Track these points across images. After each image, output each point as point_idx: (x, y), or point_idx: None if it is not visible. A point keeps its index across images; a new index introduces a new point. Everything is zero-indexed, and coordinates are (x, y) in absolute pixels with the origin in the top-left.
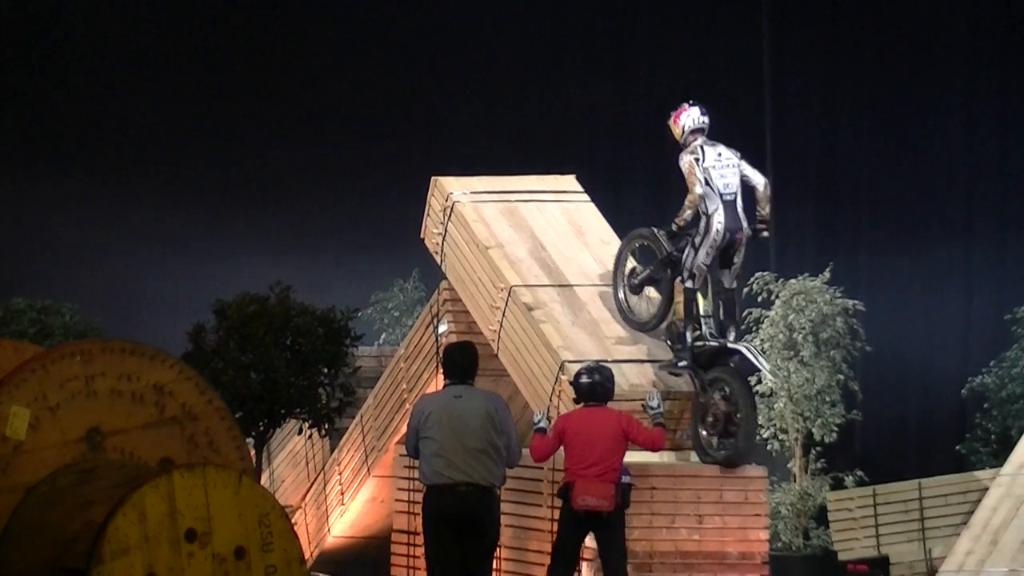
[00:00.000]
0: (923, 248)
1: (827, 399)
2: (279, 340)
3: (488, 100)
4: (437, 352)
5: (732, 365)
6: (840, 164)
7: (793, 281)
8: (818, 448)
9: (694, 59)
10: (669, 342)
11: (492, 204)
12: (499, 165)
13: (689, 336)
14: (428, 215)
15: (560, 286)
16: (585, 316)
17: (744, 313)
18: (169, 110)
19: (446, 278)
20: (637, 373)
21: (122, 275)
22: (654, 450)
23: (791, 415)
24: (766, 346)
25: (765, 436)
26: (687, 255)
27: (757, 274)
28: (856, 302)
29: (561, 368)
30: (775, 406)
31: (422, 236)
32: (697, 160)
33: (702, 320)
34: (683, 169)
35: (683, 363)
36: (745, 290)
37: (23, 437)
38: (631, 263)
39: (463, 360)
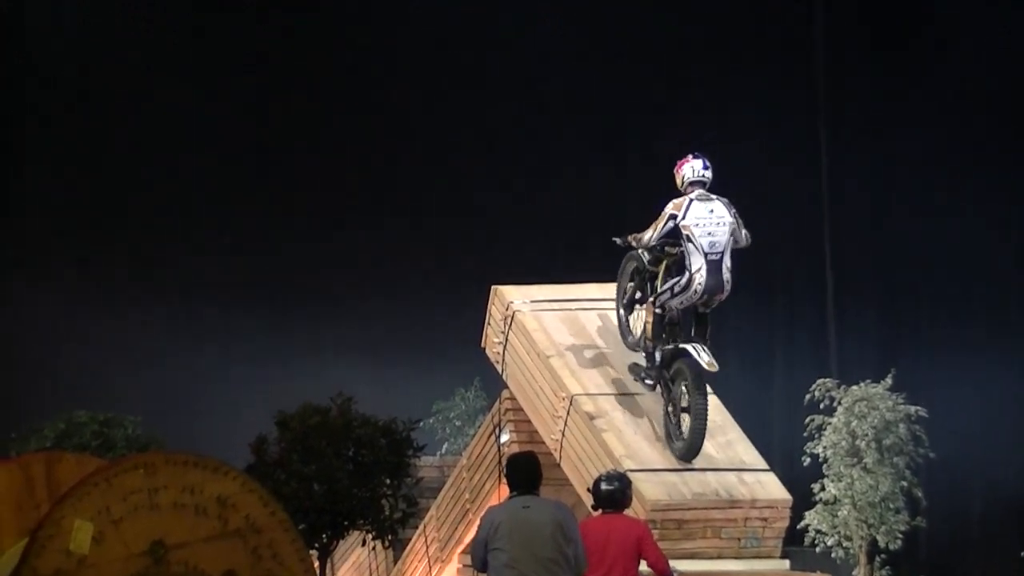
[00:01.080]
0: (984, 349)
1: (891, 506)
2: (341, 451)
3: (548, 207)
4: (499, 462)
5: (688, 358)
6: (899, 265)
7: (855, 388)
8: (883, 555)
9: (753, 157)
10: (644, 356)
11: (552, 312)
12: (559, 273)
13: (658, 356)
14: (489, 324)
15: (621, 394)
16: (647, 425)
17: (806, 420)
18: (231, 218)
19: (507, 387)
20: (699, 482)
21: (184, 385)
22: (657, 572)
23: (855, 522)
24: (828, 453)
25: (829, 544)
26: (663, 290)
27: (819, 381)
28: (919, 408)
29: None
30: (839, 513)
31: (483, 345)
32: (674, 217)
33: (669, 336)
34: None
35: (650, 382)
36: (807, 396)
37: (87, 551)
38: (628, 283)
39: (528, 470)
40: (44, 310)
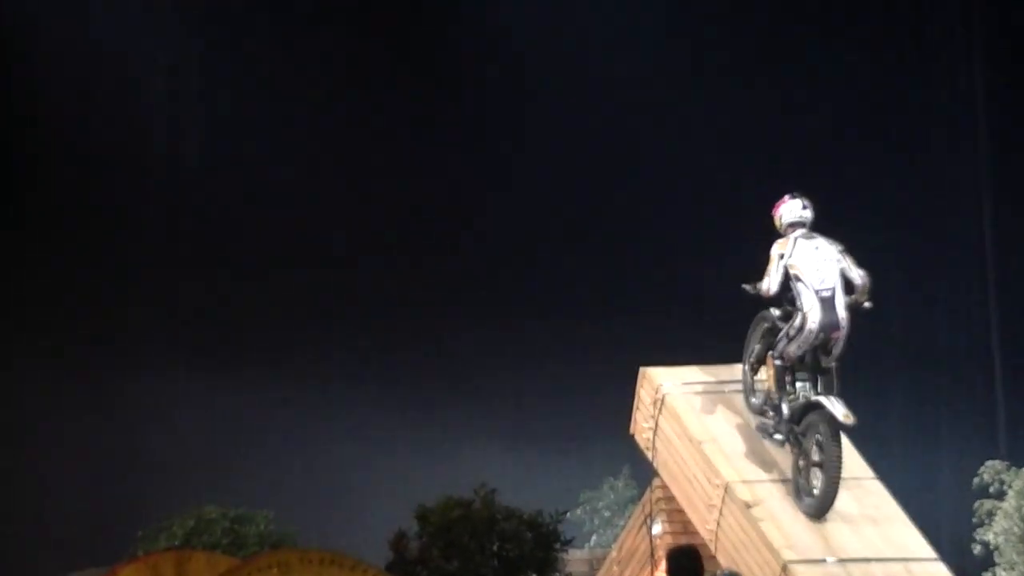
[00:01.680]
0: None
1: None
2: (485, 547)
3: (696, 286)
4: (652, 554)
5: (821, 410)
6: None
7: None
8: None
9: (910, 230)
10: (770, 412)
11: (704, 395)
12: (709, 354)
13: (786, 407)
14: (637, 408)
15: (779, 481)
16: None
17: (975, 505)
18: (369, 304)
19: (658, 475)
20: (863, 572)
21: (317, 477)
22: None
23: None
24: (1000, 540)
25: None
26: (780, 338)
27: (987, 463)
28: None
29: (784, 569)
30: None
31: (632, 431)
32: (782, 256)
33: (796, 386)
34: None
35: (779, 436)
36: (975, 480)
37: None
38: (756, 343)
39: (691, 565)
40: (172, 401)
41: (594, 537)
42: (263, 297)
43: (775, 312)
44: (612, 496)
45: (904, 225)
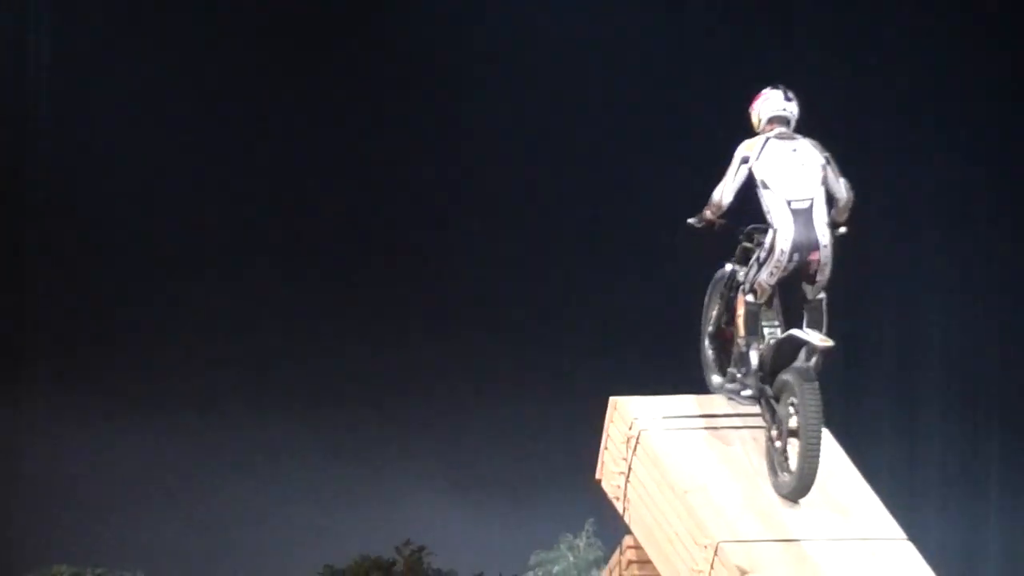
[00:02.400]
0: None
1: None
2: None
3: (682, 303)
4: None
5: (802, 363)
6: None
7: None
8: None
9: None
10: (734, 370)
11: (690, 432)
12: (697, 381)
13: (754, 357)
14: (606, 448)
15: (783, 540)
16: None
17: None
18: (266, 316)
19: (631, 532)
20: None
21: (202, 533)
22: None
23: None
24: None
25: None
26: (750, 267)
27: None
28: None
29: None
30: None
31: (598, 477)
32: (746, 160)
33: (766, 333)
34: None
35: (747, 392)
36: None
37: None
38: (715, 307)
39: None
40: (19, 441)
41: None
42: (140, 319)
43: (733, 267)
44: (571, 558)
45: (957, 241)
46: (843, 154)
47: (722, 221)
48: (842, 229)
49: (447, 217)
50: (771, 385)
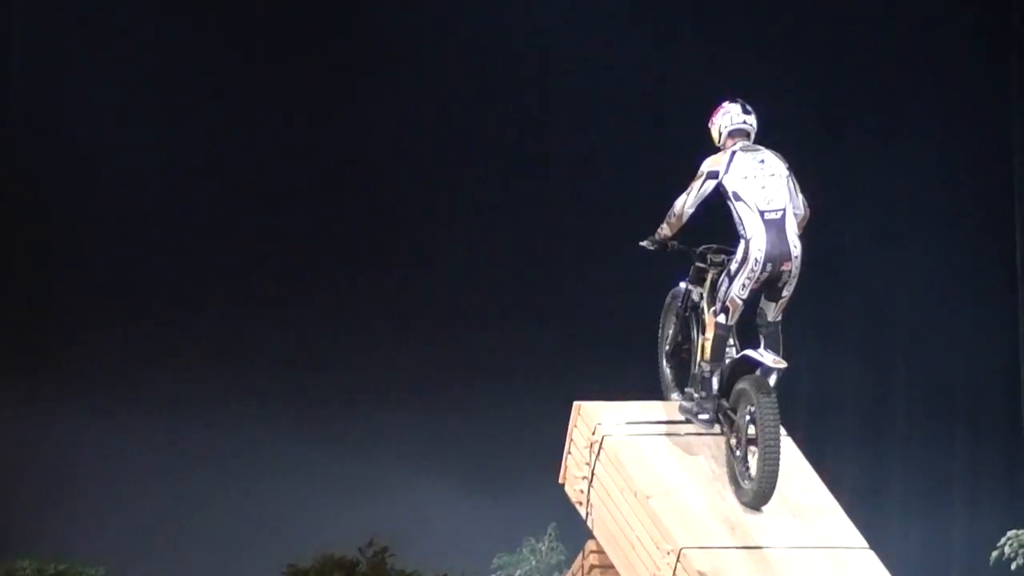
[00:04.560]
0: None
1: None
2: None
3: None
4: None
5: (758, 373)
6: None
7: None
8: None
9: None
10: (691, 390)
11: (654, 437)
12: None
13: (715, 383)
14: (569, 452)
15: (746, 548)
16: None
17: None
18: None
19: (593, 536)
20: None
21: (164, 525)
22: None
23: None
24: None
25: None
26: (721, 283)
27: (1010, 533)
28: None
29: None
30: None
31: (561, 481)
32: (714, 175)
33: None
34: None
35: (704, 416)
36: (994, 553)
37: None
38: (670, 326)
39: None
40: None
41: None
42: (102, 303)
43: (686, 286)
44: (533, 561)
45: (920, 236)
46: (821, 155)
47: (675, 243)
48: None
49: (419, 219)
50: (727, 397)
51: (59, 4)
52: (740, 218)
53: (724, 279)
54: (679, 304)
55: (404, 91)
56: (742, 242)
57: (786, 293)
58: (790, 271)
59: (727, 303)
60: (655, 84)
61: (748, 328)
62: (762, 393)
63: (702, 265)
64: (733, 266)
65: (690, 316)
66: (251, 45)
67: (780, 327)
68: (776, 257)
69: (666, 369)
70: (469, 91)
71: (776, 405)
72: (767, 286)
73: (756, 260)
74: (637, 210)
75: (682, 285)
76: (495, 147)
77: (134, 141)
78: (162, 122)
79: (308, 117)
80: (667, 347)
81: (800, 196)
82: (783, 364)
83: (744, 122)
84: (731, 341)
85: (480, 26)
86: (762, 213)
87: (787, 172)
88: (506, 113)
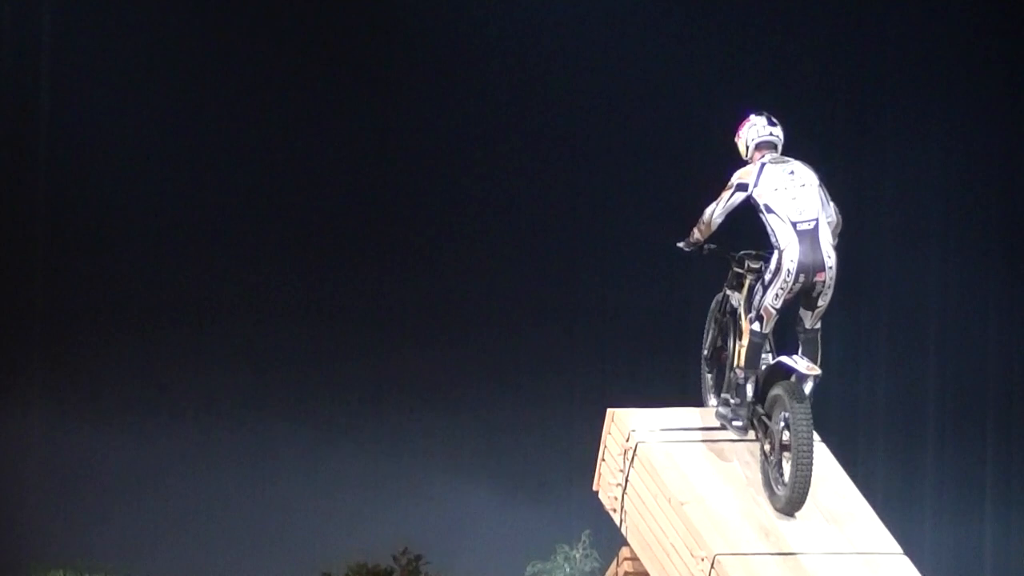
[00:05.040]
0: None
1: None
2: None
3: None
4: None
5: (792, 379)
6: None
7: None
8: None
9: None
10: (727, 396)
11: (689, 444)
12: (695, 393)
13: (750, 389)
14: (603, 460)
15: (780, 554)
16: None
17: None
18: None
19: (627, 544)
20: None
21: (198, 535)
22: None
23: None
24: None
25: None
26: (755, 291)
27: None
28: None
29: None
30: None
31: (595, 488)
32: (744, 187)
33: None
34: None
35: (739, 423)
36: None
37: None
38: (710, 330)
39: None
40: (8, 441)
41: None
42: (123, 304)
43: (725, 291)
44: (568, 569)
45: (951, 237)
46: (845, 158)
47: (711, 245)
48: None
49: (449, 219)
50: (763, 404)
51: (63, 4)
52: (772, 230)
53: (759, 288)
54: (717, 309)
55: (426, 89)
56: (775, 252)
57: (822, 303)
58: (824, 281)
59: (761, 312)
60: (676, 80)
61: (787, 332)
62: (796, 400)
63: (740, 270)
64: (767, 276)
65: (727, 321)
66: (270, 45)
67: (819, 334)
68: (809, 268)
69: (706, 374)
70: (496, 85)
71: (809, 411)
72: (802, 296)
73: (789, 271)
74: (674, 212)
75: (724, 290)
76: (527, 145)
77: (150, 139)
78: (181, 124)
79: (329, 119)
80: (706, 352)
81: (831, 204)
82: (817, 371)
83: (771, 134)
84: (767, 347)
85: (490, 22)
86: (795, 224)
87: (817, 182)
88: (535, 109)
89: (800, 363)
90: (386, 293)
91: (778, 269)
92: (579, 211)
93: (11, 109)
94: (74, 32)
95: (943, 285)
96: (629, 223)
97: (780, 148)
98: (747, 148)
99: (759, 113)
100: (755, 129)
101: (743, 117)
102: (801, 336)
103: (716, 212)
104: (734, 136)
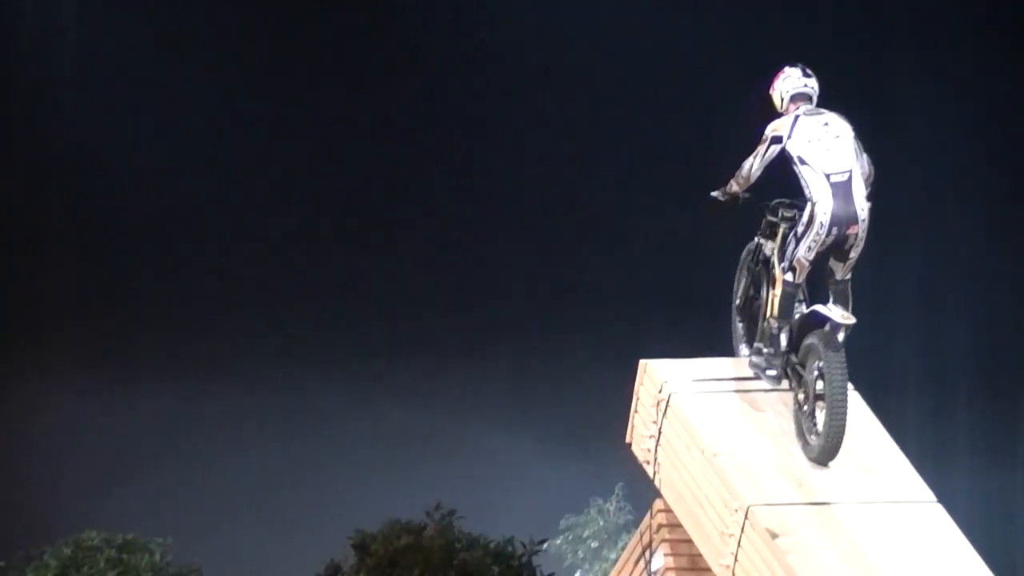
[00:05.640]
0: None
1: None
2: None
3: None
4: None
5: (827, 328)
6: None
7: None
8: None
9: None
10: (760, 345)
11: (721, 395)
12: (726, 344)
13: (784, 339)
14: (636, 412)
15: (813, 504)
16: (846, 543)
17: None
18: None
19: (661, 496)
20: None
21: (227, 497)
22: None
23: None
24: None
25: None
26: (787, 243)
27: None
28: None
29: None
30: None
31: (628, 440)
32: (778, 139)
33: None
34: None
35: (772, 371)
36: None
37: None
38: (742, 279)
39: None
40: (43, 408)
41: (578, 573)
42: (159, 284)
43: (757, 239)
44: (601, 522)
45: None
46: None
47: (747, 195)
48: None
49: (481, 182)
50: (796, 352)
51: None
52: (806, 182)
53: (792, 239)
54: (750, 258)
55: (447, 78)
56: (809, 204)
57: (854, 255)
58: (856, 234)
59: (794, 263)
60: (702, 46)
61: (819, 283)
62: (830, 349)
63: (773, 219)
64: (800, 228)
65: (760, 270)
66: (283, 41)
67: (850, 284)
68: (843, 220)
69: (737, 323)
70: (522, 58)
71: (844, 361)
72: (835, 248)
73: (822, 223)
74: (705, 167)
75: (756, 238)
76: (558, 112)
77: (135, 127)
78: (171, 110)
79: (352, 100)
80: (738, 301)
81: (864, 156)
82: (852, 320)
83: (805, 85)
84: (800, 297)
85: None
86: (828, 176)
87: (852, 133)
88: (569, 76)
89: (835, 312)
90: (416, 255)
91: (811, 221)
92: (612, 166)
93: (11, 109)
94: (83, 33)
95: (975, 237)
96: (662, 181)
97: (815, 100)
98: (782, 100)
99: (793, 64)
100: (790, 81)
101: (777, 70)
102: (832, 287)
103: (754, 166)
104: (768, 90)
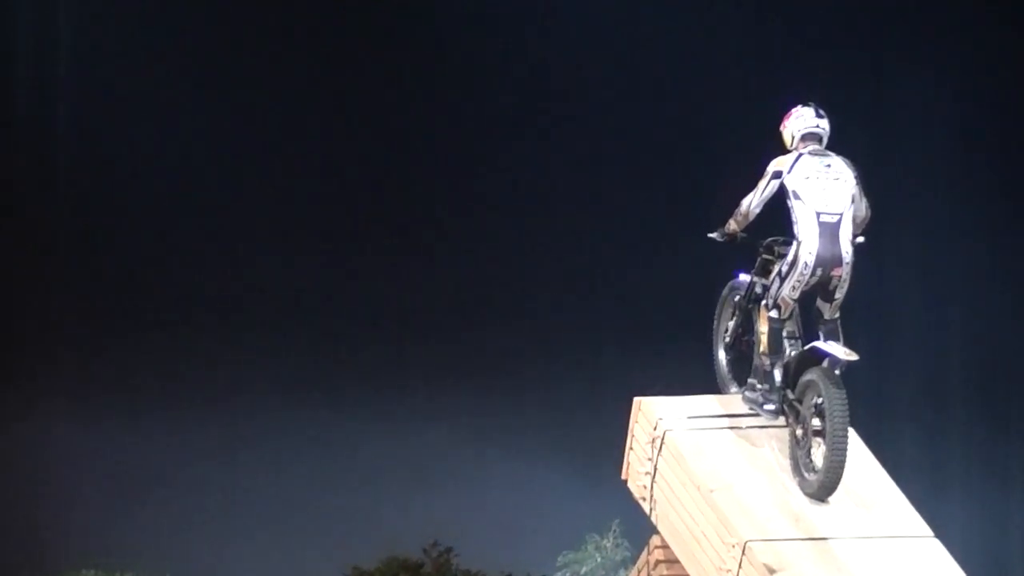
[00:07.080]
0: None
1: None
2: None
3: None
4: None
5: (825, 364)
6: None
7: None
8: None
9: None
10: (755, 381)
11: (716, 431)
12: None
13: (778, 375)
14: (631, 448)
15: (811, 539)
16: None
17: None
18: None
19: (658, 532)
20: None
21: (225, 532)
22: None
23: None
24: None
25: None
26: (772, 281)
27: None
28: None
29: None
30: None
31: (624, 477)
32: (778, 174)
33: (787, 347)
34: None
35: (770, 407)
36: None
37: None
38: (729, 318)
39: None
40: (38, 445)
41: None
42: (161, 303)
43: (751, 278)
44: (599, 558)
45: (978, 226)
46: (866, 155)
47: (744, 235)
48: (859, 239)
49: (483, 205)
50: (792, 388)
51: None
52: (796, 218)
53: (775, 279)
54: (741, 296)
55: (449, 82)
56: (794, 243)
57: (839, 295)
58: (841, 276)
59: (778, 301)
60: (703, 61)
61: (812, 320)
62: (832, 385)
63: (768, 257)
64: (784, 267)
65: (752, 308)
66: (293, 44)
67: (839, 322)
68: (827, 262)
69: (723, 361)
70: (519, 79)
71: (846, 398)
72: (820, 288)
73: (806, 264)
74: (708, 206)
75: (743, 277)
76: (556, 136)
77: (146, 135)
78: (207, 118)
79: (357, 113)
80: (726, 339)
81: (864, 200)
82: (854, 356)
83: (816, 126)
84: (795, 333)
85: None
86: (818, 215)
87: (854, 180)
88: (573, 96)
89: (837, 349)
90: (414, 278)
91: (795, 261)
92: (616, 203)
93: (14, 110)
94: (83, 33)
95: (969, 268)
96: (663, 216)
97: (825, 141)
98: (792, 139)
99: (807, 104)
100: (802, 120)
101: (790, 108)
102: (822, 327)
103: (753, 203)
104: (781, 126)
